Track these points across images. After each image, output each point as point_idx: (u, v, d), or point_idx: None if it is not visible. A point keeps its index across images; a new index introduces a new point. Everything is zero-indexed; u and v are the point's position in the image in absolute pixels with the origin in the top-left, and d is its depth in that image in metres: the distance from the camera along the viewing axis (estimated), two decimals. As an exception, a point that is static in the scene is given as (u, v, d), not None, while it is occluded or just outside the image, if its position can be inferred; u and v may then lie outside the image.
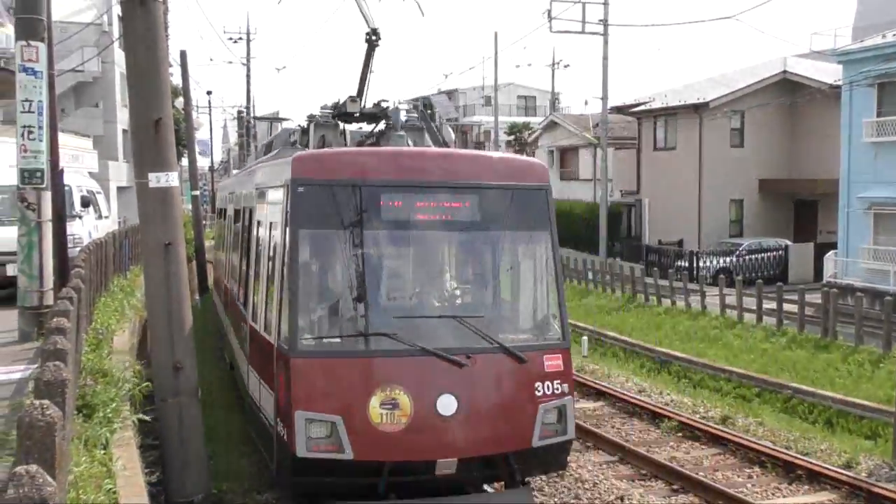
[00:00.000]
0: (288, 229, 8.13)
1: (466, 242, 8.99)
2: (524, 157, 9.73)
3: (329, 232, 8.28)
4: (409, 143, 10.31)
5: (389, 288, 8.47)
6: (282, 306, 8.14)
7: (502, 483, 8.76)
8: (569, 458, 8.93)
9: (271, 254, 9.14)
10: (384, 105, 10.71)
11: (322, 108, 11.14)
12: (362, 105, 10.79)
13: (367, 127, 11.19)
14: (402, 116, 10.53)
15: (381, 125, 10.71)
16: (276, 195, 9.01)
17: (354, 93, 10.80)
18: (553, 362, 8.27)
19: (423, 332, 7.96)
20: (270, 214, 9.43)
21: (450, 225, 8.57)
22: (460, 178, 8.50)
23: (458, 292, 8.96)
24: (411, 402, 7.61)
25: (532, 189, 8.73)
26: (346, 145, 10.85)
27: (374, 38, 10.65)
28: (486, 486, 9.22)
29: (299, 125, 11.69)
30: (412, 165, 8.58)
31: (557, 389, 8.19)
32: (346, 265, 8.24)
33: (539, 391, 8.11)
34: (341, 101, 10.78)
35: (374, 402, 7.56)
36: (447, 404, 7.66)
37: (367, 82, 11.01)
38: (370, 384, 7.65)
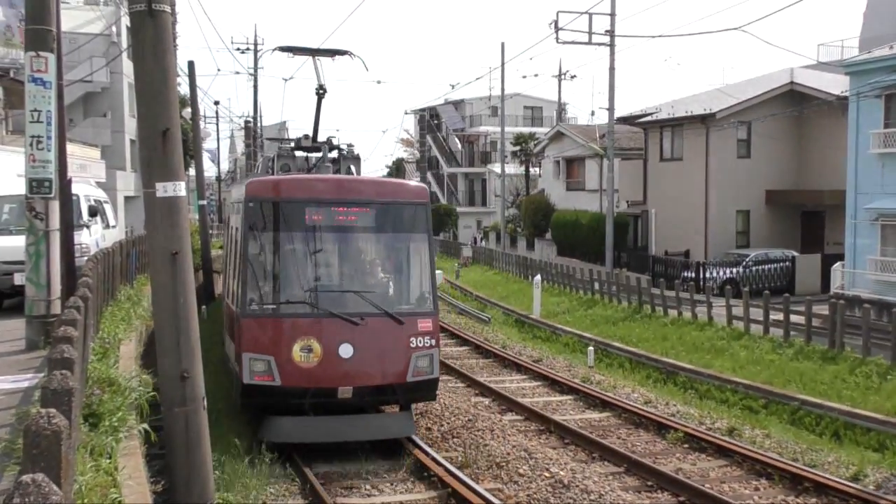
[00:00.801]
0: (242, 232, 11.72)
1: (366, 241, 12.45)
2: (412, 182, 14.00)
3: (269, 233, 11.67)
4: (351, 169, 14.03)
5: (310, 271, 11.76)
6: (238, 285, 11.69)
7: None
8: (437, 393, 12.50)
9: (235, 249, 12.59)
10: (332, 140, 14.54)
11: (283, 141, 14.81)
12: (314, 140, 14.55)
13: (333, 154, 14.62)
14: (344, 149, 14.41)
15: (332, 155, 14.26)
16: (239, 208, 12.44)
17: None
18: (424, 325, 11.73)
19: (332, 301, 11.48)
20: (237, 222, 12.83)
21: (353, 229, 12.00)
22: (361, 196, 11.89)
23: (359, 275, 12.30)
24: (321, 348, 11.11)
25: (415, 204, 12.22)
26: (308, 169, 14.57)
27: (321, 91, 13.98)
28: (383, 409, 12.73)
29: (274, 154, 15.17)
30: (329, 187, 12.00)
31: (427, 343, 11.70)
32: (281, 256, 11.74)
33: (413, 344, 11.57)
34: (300, 137, 14.76)
35: (296, 347, 11.07)
36: (346, 350, 11.16)
37: (318, 122, 14.75)
38: (293, 335, 11.11)
